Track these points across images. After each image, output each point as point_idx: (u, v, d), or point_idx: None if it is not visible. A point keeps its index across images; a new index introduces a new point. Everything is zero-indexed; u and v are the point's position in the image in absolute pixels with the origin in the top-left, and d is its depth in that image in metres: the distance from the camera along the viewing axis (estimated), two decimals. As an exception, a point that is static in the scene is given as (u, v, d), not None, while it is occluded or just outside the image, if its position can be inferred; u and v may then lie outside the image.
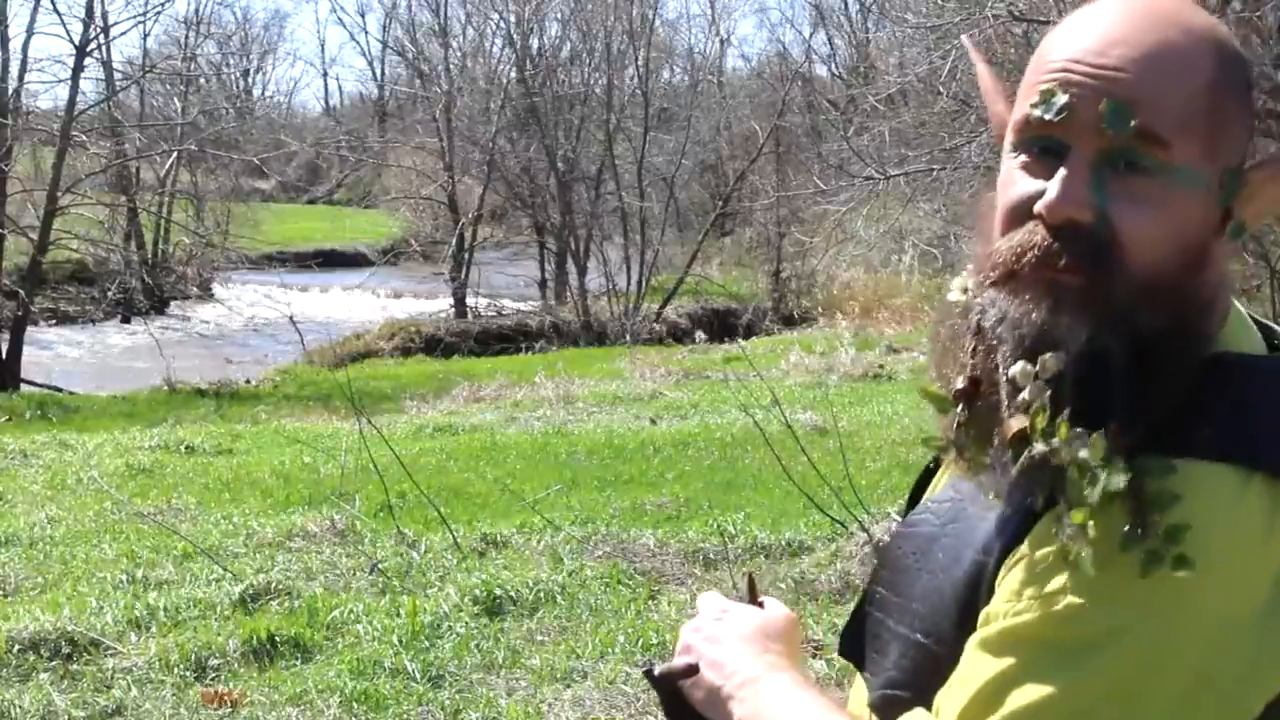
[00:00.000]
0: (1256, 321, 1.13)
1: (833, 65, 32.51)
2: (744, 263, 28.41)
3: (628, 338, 22.20)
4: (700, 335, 17.35)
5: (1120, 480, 0.94)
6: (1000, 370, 1.04)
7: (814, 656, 4.40)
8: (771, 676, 1.16)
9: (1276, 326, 1.14)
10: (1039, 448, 0.99)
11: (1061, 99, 1.01)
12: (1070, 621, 0.94)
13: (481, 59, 31.24)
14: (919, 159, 11.47)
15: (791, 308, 24.96)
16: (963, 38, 1.58)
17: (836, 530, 5.93)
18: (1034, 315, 1.02)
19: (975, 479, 1.08)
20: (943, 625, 1.06)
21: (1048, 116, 1.02)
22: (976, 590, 1.03)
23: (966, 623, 1.02)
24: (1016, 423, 1.01)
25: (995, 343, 1.04)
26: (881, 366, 14.51)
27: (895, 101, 12.58)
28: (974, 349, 1.08)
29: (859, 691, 1.21)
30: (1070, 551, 0.95)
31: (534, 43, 29.43)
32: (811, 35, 33.55)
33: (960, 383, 1.09)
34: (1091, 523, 0.95)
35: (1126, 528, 0.94)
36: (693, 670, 1.21)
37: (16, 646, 4.53)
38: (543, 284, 27.69)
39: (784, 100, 27.32)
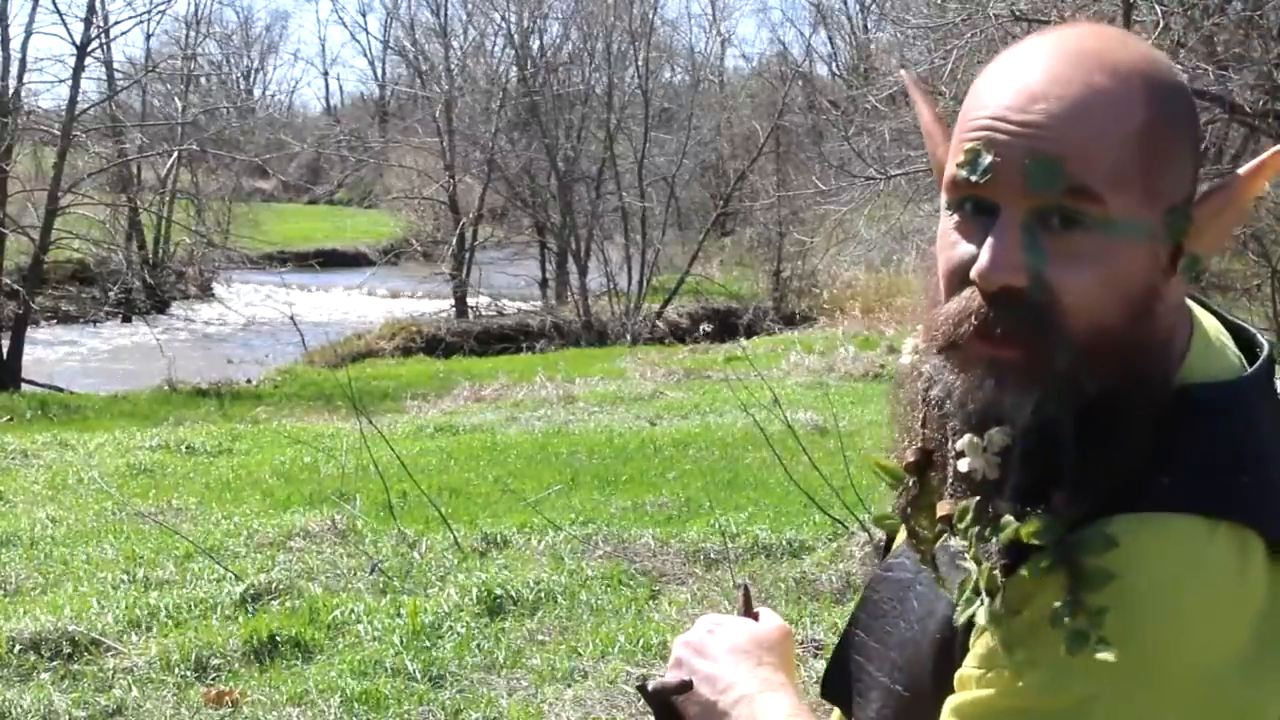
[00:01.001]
0: (1227, 322, 1.10)
1: (833, 65, 32.55)
2: (745, 262, 28.42)
3: (628, 337, 22.20)
4: (705, 326, 17.31)
5: (994, 587, 0.96)
6: (949, 443, 1.02)
7: (815, 656, 4.40)
8: (766, 696, 1.16)
9: (1248, 327, 1.11)
10: (953, 542, 1.00)
11: (986, 159, 0.97)
12: (1042, 693, 0.94)
13: (482, 58, 31.24)
14: (920, 159, 11.46)
15: (792, 308, 24.96)
16: (901, 72, 1.53)
17: (838, 530, 5.93)
18: (978, 391, 0.99)
19: (924, 555, 1.08)
20: (920, 678, 1.06)
21: (974, 179, 0.98)
22: (950, 645, 1.03)
23: (943, 679, 1.02)
24: (944, 507, 1.01)
25: (943, 415, 1.03)
26: (882, 366, 14.49)
27: (896, 102, 12.57)
28: (924, 419, 1.06)
29: None
30: (993, 635, 0.96)
31: (534, 42, 29.46)
32: (812, 35, 33.58)
33: (910, 455, 1.08)
34: (993, 613, 0.95)
35: (1056, 605, 0.93)
36: (686, 686, 1.20)
37: (17, 646, 4.53)
38: (543, 284, 27.69)
39: (784, 100, 27.32)
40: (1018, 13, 8.66)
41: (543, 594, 5.13)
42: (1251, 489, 0.95)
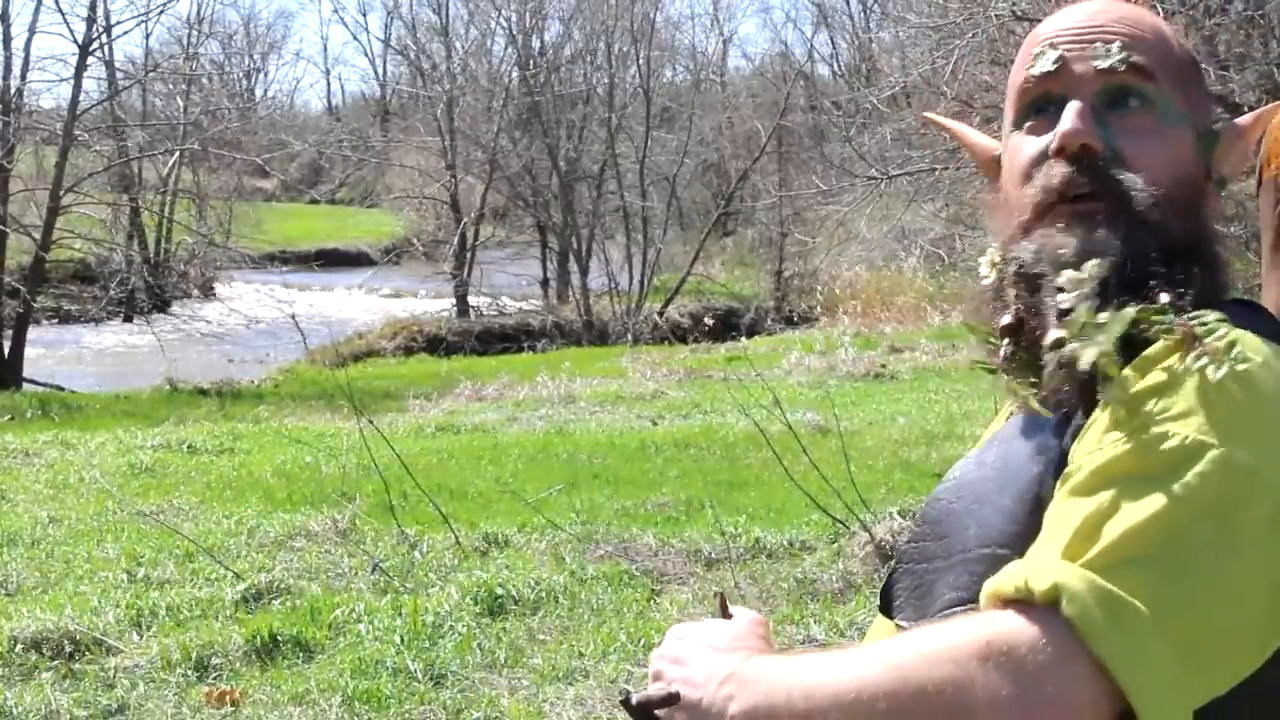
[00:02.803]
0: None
1: (835, 65, 32.55)
2: (746, 262, 28.43)
3: (630, 337, 22.20)
4: (707, 320, 17.30)
5: (1129, 313, 1.04)
6: (1045, 299, 1.11)
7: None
8: (751, 662, 1.10)
9: None
10: (1072, 345, 1.06)
11: (1054, 53, 1.15)
12: (1154, 446, 0.97)
13: (484, 58, 31.24)
14: (922, 159, 11.47)
15: (793, 307, 24.96)
16: (925, 114, 1.79)
17: (838, 530, 5.92)
18: (1069, 239, 1.10)
19: (1022, 402, 1.15)
20: (1008, 531, 1.07)
21: (1045, 69, 1.14)
22: (1043, 486, 1.07)
23: (1036, 520, 1.03)
24: (1055, 331, 1.08)
25: (1037, 275, 1.12)
26: (883, 366, 14.49)
27: (898, 102, 12.57)
28: (1016, 293, 1.16)
29: (880, 632, 1.21)
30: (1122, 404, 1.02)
31: (536, 42, 29.46)
32: (814, 35, 33.56)
33: (1006, 318, 1.17)
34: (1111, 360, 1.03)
35: (1180, 356, 1.02)
36: (673, 699, 1.14)
37: (18, 645, 4.53)
38: (545, 283, 27.69)
39: (786, 100, 27.32)
40: (1019, 12, 8.65)
41: (543, 594, 5.13)
42: None
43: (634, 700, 1.17)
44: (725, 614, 1.29)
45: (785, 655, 1.12)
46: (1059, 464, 1.05)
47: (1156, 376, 1.01)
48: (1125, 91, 1.13)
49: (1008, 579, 0.96)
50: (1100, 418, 1.02)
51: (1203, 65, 1.22)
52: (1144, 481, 0.96)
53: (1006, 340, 1.17)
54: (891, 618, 1.18)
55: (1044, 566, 0.95)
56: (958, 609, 1.06)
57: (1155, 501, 0.95)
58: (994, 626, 0.93)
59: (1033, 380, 1.13)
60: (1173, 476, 0.95)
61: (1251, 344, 1.02)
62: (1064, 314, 1.08)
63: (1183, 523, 0.94)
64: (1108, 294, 1.07)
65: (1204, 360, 0.99)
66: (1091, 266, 1.07)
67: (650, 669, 1.21)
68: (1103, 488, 0.97)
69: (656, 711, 1.16)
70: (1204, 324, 1.02)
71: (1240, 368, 0.99)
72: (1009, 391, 1.17)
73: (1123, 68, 1.12)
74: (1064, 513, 0.99)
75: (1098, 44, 1.13)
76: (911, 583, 1.15)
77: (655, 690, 1.16)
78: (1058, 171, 1.12)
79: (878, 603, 1.25)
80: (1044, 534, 0.99)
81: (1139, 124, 1.13)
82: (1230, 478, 0.95)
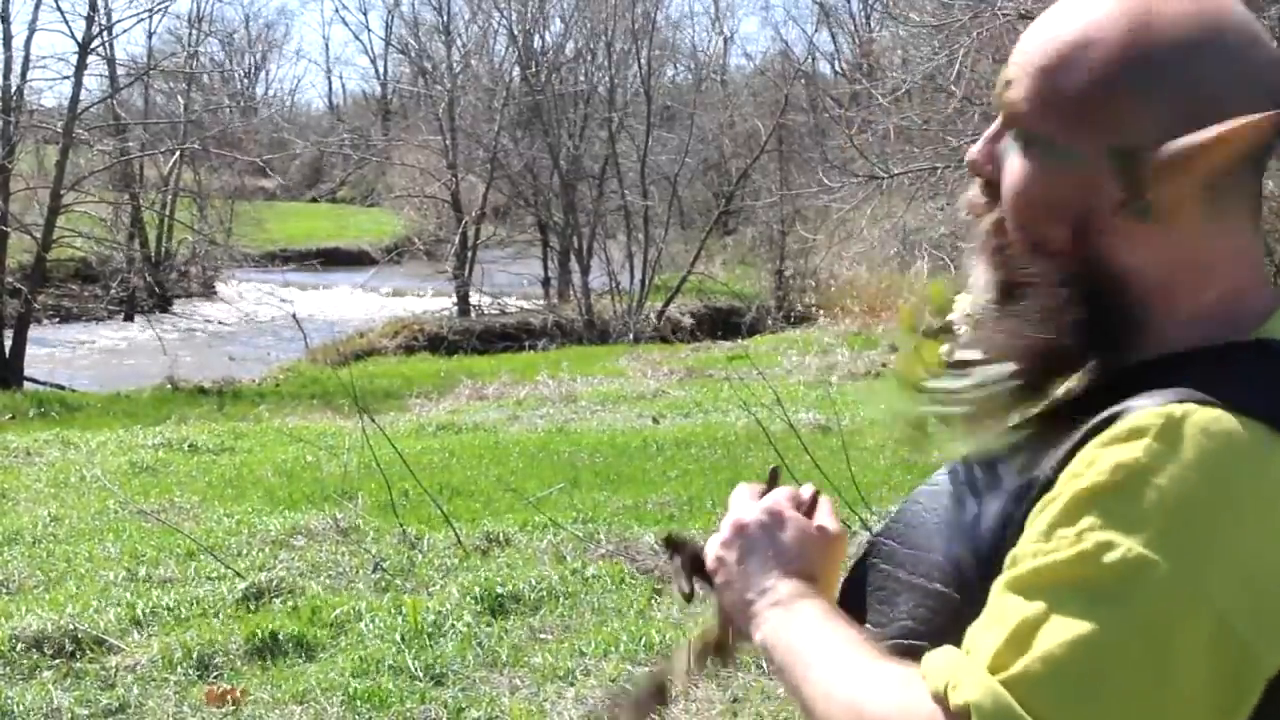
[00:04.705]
0: None
1: (836, 63, 32.53)
2: (747, 261, 28.41)
3: (631, 336, 22.20)
4: (687, 320, 17.29)
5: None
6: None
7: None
8: (800, 605, 1.14)
9: None
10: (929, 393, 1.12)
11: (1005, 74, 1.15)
12: (1099, 557, 0.94)
13: (485, 57, 31.23)
14: (923, 157, 11.46)
15: (794, 306, 24.96)
16: None
17: (839, 529, 5.91)
18: (970, 266, 1.13)
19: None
20: (966, 575, 1.05)
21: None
22: (1004, 537, 1.03)
23: (992, 571, 1.01)
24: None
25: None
26: (884, 365, 14.48)
27: (900, 100, 12.56)
28: None
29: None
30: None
31: (537, 41, 29.45)
32: (815, 33, 33.55)
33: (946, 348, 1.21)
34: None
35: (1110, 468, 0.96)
36: (703, 568, 1.23)
37: (20, 644, 4.53)
38: (546, 282, 27.68)
39: (787, 98, 27.30)
40: (1025, 11, 8.64)
41: (544, 593, 5.12)
42: None
43: (679, 538, 1.28)
44: (771, 485, 1.29)
45: (829, 615, 1.13)
46: (1027, 510, 1.02)
47: (1113, 468, 0.95)
48: (1011, 123, 1.11)
49: (937, 674, 0.97)
50: (1057, 498, 0.98)
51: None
52: (1084, 592, 0.93)
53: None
54: (856, 609, 1.16)
55: (969, 675, 0.95)
56: (904, 641, 1.09)
57: (1088, 619, 0.92)
58: (919, 712, 0.96)
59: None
60: (1109, 594, 0.92)
61: (1234, 463, 0.95)
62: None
63: (1113, 645, 0.92)
64: (982, 329, 1.10)
65: (1165, 456, 0.94)
66: (962, 299, 1.09)
67: (727, 523, 1.25)
68: (1040, 593, 0.95)
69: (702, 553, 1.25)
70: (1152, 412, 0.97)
71: (1200, 474, 0.94)
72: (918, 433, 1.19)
73: (999, 111, 1.12)
74: (1001, 608, 0.97)
75: (1003, 75, 1.12)
76: (878, 582, 1.15)
77: (697, 545, 1.26)
78: (970, 193, 1.15)
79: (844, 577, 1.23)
80: (982, 620, 0.98)
81: (1011, 156, 1.10)
82: (1169, 598, 0.92)
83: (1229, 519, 0.94)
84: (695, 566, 1.25)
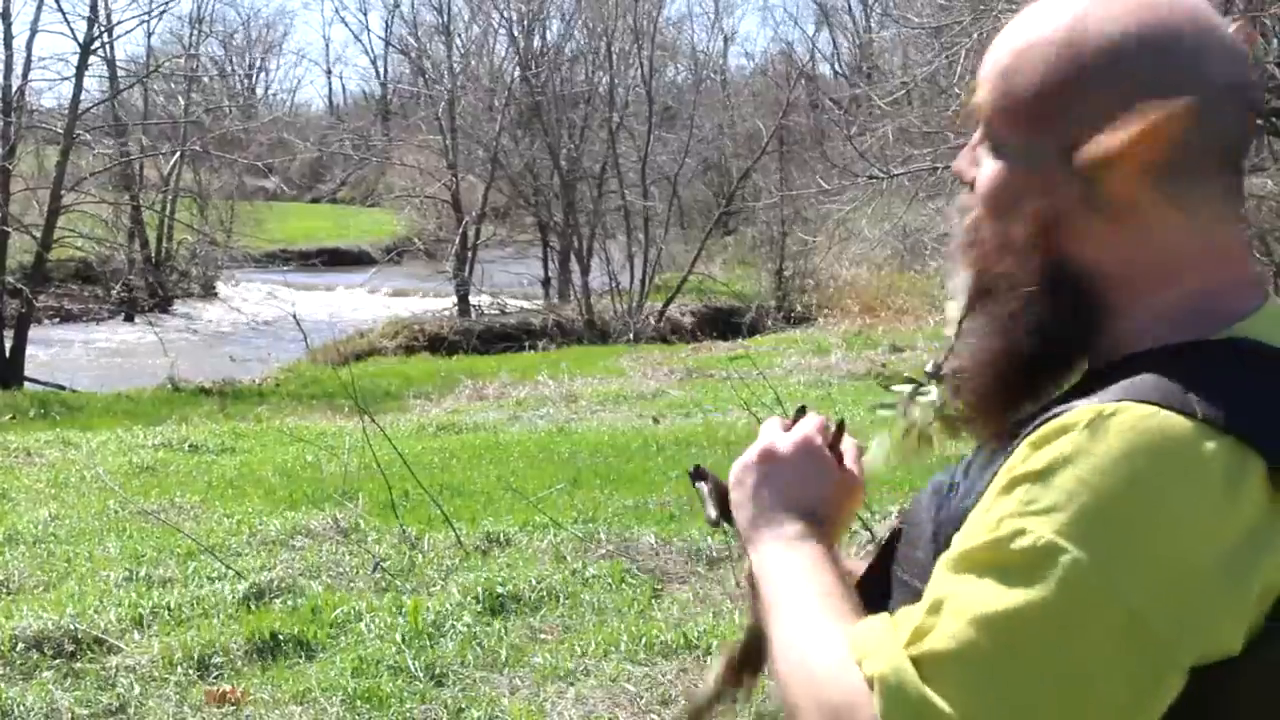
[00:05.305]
0: None
1: (836, 64, 32.54)
2: (747, 261, 28.42)
3: (631, 336, 22.21)
4: (687, 320, 17.31)
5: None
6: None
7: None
8: (799, 545, 1.18)
9: None
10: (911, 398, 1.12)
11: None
12: (1011, 542, 0.94)
13: (485, 57, 31.26)
14: (923, 158, 11.46)
15: (794, 306, 24.97)
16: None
17: (839, 529, 5.92)
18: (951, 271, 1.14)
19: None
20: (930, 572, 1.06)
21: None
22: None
23: None
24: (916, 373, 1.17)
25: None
26: (884, 365, 14.50)
27: (899, 101, 12.55)
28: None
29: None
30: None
31: (537, 41, 29.47)
32: (815, 34, 33.55)
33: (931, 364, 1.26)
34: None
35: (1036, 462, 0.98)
36: (723, 488, 1.28)
37: (20, 644, 4.53)
38: (546, 282, 27.70)
39: (788, 99, 27.31)
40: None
41: (545, 593, 5.13)
42: (1267, 416, 0.97)
43: (701, 468, 1.35)
44: (798, 418, 1.32)
45: (823, 559, 1.17)
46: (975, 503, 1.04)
47: (1040, 460, 0.96)
48: (980, 128, 1.14)
49: (859, 643, 1.00)
50: (992, 489, 1.00)
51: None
52: (995, 577, 0.94)
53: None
54: (883, 587, 1.18)
55: (884, 648, 0.97)
56: None
57: (999, 601, 0.93)
58: (851, 687, 0.98)
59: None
60: (1021, 578, 0.93)
61: (1146, 432, 0.95)
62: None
63: (1019, 628, 0.92)
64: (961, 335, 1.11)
65: (1089, 449, 0.95)
66: (951, 307, 1.10)
67: (758, 445, 1.28)
68: (959, 572, 0.97)
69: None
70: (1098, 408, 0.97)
71: (1121, 469, 0.94)
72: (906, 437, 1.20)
73: (971, 114, 1.14)
74: (930, 586, 0.99)
75: (973, 82, 1.15)
76: (891, 585, 1.18)
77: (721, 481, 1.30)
78: (961, 198, 1.16)
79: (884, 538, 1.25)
80: (922, 599, 1.00)
81: (984, 159, 1.13)
82: (1079, 586, 0.92)
83: (1148, 515, 0.93)
84: (720, 493, 1.30)
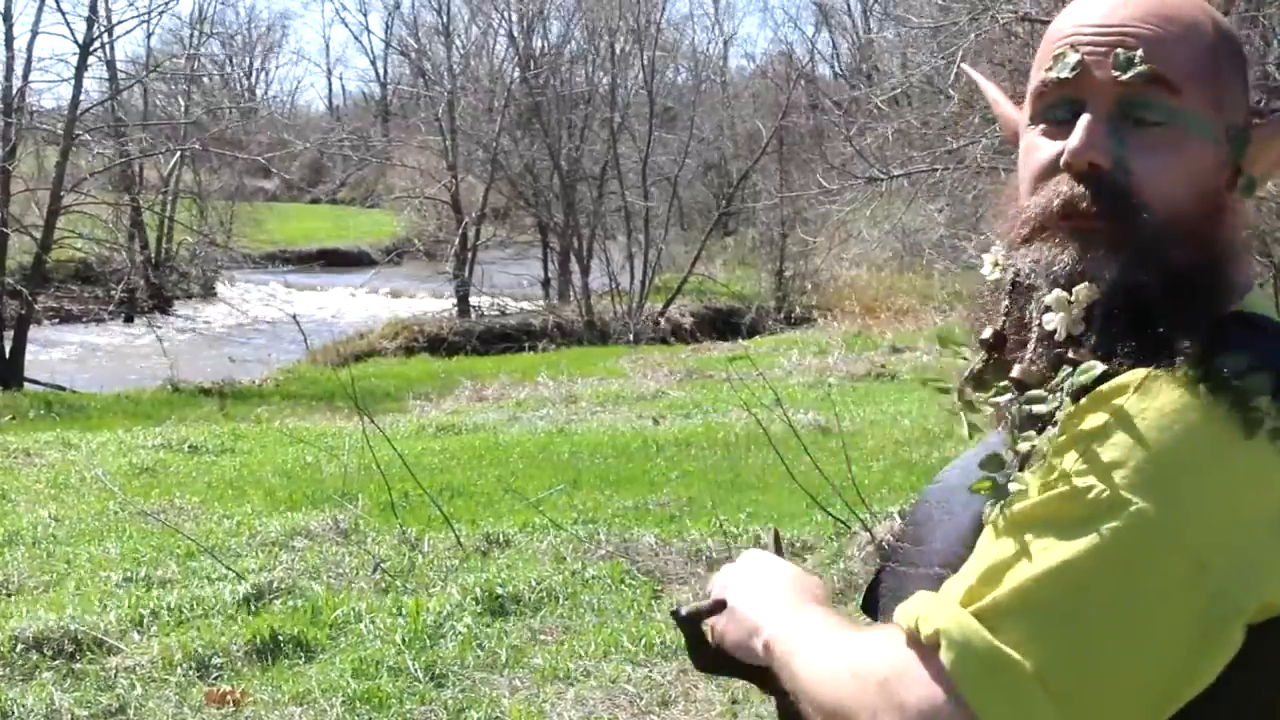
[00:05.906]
0: None
1: (836, 65, 32.55)
2: (747, 262, 28.41)
3: (631, 337, 22.21)
4: (686, 320, 17.30)
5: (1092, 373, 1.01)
6: (1033, 313, 1.08)
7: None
8: (812, 608, 1.16)
9: None
10: (1028, 395, 1.05)
11: (1074, 57, 1.09)
12: (1073, 497, 0.96)
13: (484, 58, 31.24)
14: (923, 159, 11.46)
15: (794, 307, 24.96)
16: (962, 65, 1.69)
17: (839, 530, 5.93)
18: (1064, 256, 1.07)
19: (970, 417, 1.14)
20: (961, 554, 1.06)
21: (1064, 75, 1.09)
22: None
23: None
24: (1019, 371, 1.07)
25: (1029, 287, 1.09)
26: (884, 366, 14.51)
27: (899, 102, 12.56)
28: (1008, 305, 1.13)
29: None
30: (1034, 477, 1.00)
31: (537, 42, 29.47)
32: (815, 35, 33.57)
33: (987, 333, 1.14)
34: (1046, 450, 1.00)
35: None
36: (720, 606, 1.22)
37: (20, 645, 4.53)
38: (546, 283, 27.69)
39: (788, 100, 27.31)
40: (1024, 14, 8.64)
41: (544, 593, 5.13)
42: None
43: (684, 613, 1.25)
44: (779, 553, 1.32)
45: (839, 618, 1.15)
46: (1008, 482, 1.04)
47: (1094, 421, 0.98)
48: (1146, 104, 1.07)
49: (908, 612, 0.99)
50: (1038, 455, 1.01)
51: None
52: (1055, 532, 0.95)
53: (981, 354, 1.14)
54: (875, 617, 1.19)
55: (939, 608, 0.97)
56: None
57: (1060, 553, 0.94)
58: (895, 656, 0.97)
59: (985, 406, 1.12)
60: (1083, 530, 0.94)
61: (1198, 393, 0.97)
62: (1047, 336, 1.06)
63: (1084, 577, 0.93)
64: (1092, 321, 1.04)
65: (1144, 408, 0.96)
66: (1081, 290, 1.05)
67: (717, 582, 1.28)
68: (1016, 532, 0.97)
69: (703, 622, 1.24)
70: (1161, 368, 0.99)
71: (1178, 425, 0.96)
72: (957, 412, 1.15)
73: (1142, 82, 1.06)
74: (981, 551, 0.99)
75: (1120, 50, 1.06)
76: (894, 584, 1.17)
77: (705, 603, 1.24)
78: (1062, 191, 1.08)
79: (861, 599, 1.26)
80: (964, 568, 1.00)
81: (1157, 140, 1.07)
82: (1143, 536, 0.93)
83: (1206, 469, 0.96)
84: (699, 639, 1.26)
